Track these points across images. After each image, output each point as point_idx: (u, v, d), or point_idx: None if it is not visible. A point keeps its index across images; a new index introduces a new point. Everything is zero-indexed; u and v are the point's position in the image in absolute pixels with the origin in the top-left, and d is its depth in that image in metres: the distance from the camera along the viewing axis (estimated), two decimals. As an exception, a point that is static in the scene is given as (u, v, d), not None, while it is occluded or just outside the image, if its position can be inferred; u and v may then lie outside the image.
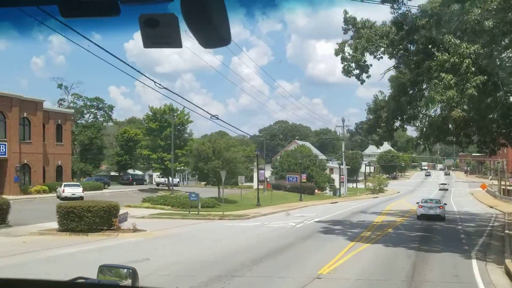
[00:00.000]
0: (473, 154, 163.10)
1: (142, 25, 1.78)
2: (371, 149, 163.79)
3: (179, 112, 48.51)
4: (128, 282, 2.77)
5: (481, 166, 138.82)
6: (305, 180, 69.11)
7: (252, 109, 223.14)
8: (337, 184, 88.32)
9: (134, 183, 63.64)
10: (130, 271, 2.82)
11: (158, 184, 61.77)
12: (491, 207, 49.23)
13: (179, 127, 48.92)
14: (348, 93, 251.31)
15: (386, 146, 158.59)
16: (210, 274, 12.30)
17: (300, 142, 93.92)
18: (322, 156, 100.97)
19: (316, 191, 72.72)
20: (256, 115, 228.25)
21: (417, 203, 30.46)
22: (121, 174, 66.30)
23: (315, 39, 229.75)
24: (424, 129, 26.38)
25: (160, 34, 1.80)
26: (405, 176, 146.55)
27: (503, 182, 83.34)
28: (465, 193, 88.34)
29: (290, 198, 54.74)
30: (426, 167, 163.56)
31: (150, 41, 1.83)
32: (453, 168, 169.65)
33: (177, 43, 1.83)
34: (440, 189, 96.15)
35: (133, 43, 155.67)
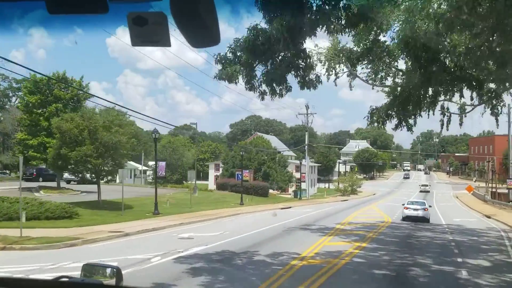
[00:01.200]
0: (456, 154, 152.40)
1: (130, 23, 1.74)
2: (350, 147, 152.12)
3: (74, 82, 35.07)
4: (112, 281, 2.67)
5: (465, 166, 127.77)
6: (259, 179, 56.05)
7: (234, 109, 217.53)
8: (304, 185, 75.53)
9: (40, 178, 49.54)
10: (115, 270, 2.74)
11: (68, 181, 47.99)
12: (488, 216, 36.86)
13: (72, 102, 35.20)
14: (331, 94, 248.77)
15: (363, 144, 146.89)
16: None
17: (262, 135, 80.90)
18: (289, 153, 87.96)
19: (274, 192, 59.68)
20: (240, 114, 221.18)
21: (402, 204, 30.32)
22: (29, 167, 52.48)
23: (299, 38, 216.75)
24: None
25: (148, 33, 1.76)
26: (384, 176, 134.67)
27: (492, 184, 71.30)
28: (449, 197, 76.38)
29: (229, 201, 41.56)
30: (408, 167, 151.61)
31: (138, 39, 1.79)
32: (434, 168, 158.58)
33: (166, 42, 1.80)
34: (421, 191, 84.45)
35: (115, 38, 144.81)
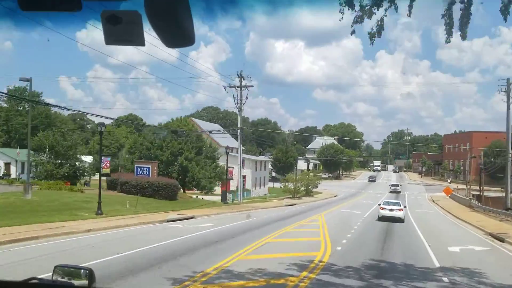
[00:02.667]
0: (429, 153, 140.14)
1: (104, 22, 1.70)
2: (317, 144, 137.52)
3: None
4: (85, 282, 2.59)
5: (438, 166, 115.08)
6: (173, 175, 40.19)
7: (214, 107, 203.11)
8: (248, 183, 59.95)
9: None
10: (87, 271, 2.65)
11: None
12: (500, 239, 21.88)
13: None
14: (305, 94, 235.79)
15: (331, 141, 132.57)
16: None
17: (193, 120, 64.71)
18: (230, 142, 72.25)
19: (197, 192, 43.95)
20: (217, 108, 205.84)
21: (379, 204, 29.99)
22: None
23: (274, 39, 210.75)
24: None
25: (122, 31, 1.72)
26: (351, 175, 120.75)
27: (481, 187, 57.52)
28: (424, 200, 62.28)
29: (90, 208, 25.43)
30: (378, 167, 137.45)
31: (112, 38, 1.75)
32: (405, 168, 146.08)
33: (140, 41, 1.76)
34: (391, 192, 71.82)
35: (86, 32, 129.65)
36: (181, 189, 40.29)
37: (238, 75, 42.63)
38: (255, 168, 61.42)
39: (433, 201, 59.76)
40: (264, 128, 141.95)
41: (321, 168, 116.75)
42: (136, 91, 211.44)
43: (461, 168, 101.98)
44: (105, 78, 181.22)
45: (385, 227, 25.08)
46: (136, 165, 37.31)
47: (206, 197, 42.52)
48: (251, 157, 65.10)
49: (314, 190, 67.42)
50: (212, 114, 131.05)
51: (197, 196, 42.93)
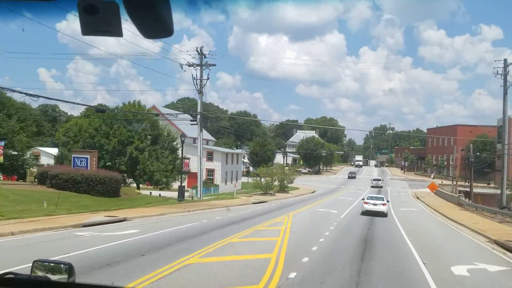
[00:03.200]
0: (411, 147, 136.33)
1: (81, 11, 1.66)
2: (297, 137, 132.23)
3: None
4: (64, 277, 2.54)
5: (421, 161, 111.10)
6: (121, 167, 34.31)
7: (191, 98, 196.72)
8: (218, 177, 54.25)
9: None
10: (67, 266, 2.58)
11: None
12: (510, 250, 16.87)
13: None
14: (289, 89, 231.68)
15: (310, 133, 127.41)
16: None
17: (162, 109, 58.62)
18: (205, 135, 66.30)
19: (150, 187, 38.10)
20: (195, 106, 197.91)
21: (362, 199, 30.85)
22: None
23: (258, 33, 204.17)
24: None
25: (99, 22, 1.69)
26: (332, 170, 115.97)
27: (471, 183, 53.09)
28: (408, 197, 57.50)
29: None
30: (360, 162, 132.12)
31: (89, 28, 1.71)
32: (387, 164, 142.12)
33: (118, 32, 1.72)
34: (372, 186, 68.19)
35: (66, 23, 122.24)
36: (128, 184, 34.44)
37: (198, 51, 36.72)
38: (226, 161, 55.73)
39: (418, 198, 55.04)
40: (243, 121, 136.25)
41: (301, 162, 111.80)
42: (117, 84, 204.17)
43: (445, 163, 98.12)
44: (85, 72, 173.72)
45: (365, 233, 19.70)
46: (73, 155, 31.13)
47: (164, 193, 36.66)
48: (221, 149, 59.29)
49: (291, 185, 62.13)
50: (188, 105, 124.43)
51: (151, 193, 37.01)
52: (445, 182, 78.68)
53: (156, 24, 1.66)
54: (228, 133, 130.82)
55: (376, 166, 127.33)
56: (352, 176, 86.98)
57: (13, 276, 2.29)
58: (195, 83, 35.63)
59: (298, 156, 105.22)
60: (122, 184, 35.47)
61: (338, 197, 49.65)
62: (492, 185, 77.87)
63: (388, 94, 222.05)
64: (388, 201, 31.16)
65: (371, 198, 30.02)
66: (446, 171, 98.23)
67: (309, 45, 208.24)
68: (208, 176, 53.78)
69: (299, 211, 30.50)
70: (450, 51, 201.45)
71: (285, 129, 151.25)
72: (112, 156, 34.47)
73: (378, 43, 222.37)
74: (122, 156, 34.63)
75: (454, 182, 64.55)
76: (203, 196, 39.68)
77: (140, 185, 37.70)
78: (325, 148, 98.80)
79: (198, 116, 36.81)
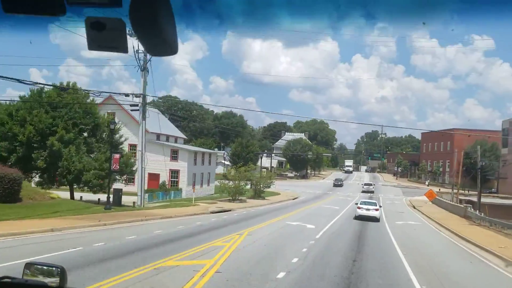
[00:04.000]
0: (404, 152, 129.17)
1: (88, 27, 1.70)
2: (286, 140, 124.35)
3: None
4: (56, 281, 2.49)
5: (415, 167, 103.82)
6: (39, 163, 26.33)
7: (173, 96, 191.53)
8: (183, 180, 46.32)
9: None
10: (59, 270, 2.53)
11: None
12: None
13: None
14: (282, 94, 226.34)
15: (299, 136, 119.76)
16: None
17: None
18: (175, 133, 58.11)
19: (79, 191, 29.98)
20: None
21: (356, 204, 31.18)
22: None
23: (252, 38, 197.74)
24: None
25: (106, 38, 1.72)
26: (320, 175, 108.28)
27: (479, 191, 45.62)
28: (403, 206, 49.84)
29: None
30: (350, 167, 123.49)
31: (95, 44, 1.74)
32: (379, 169, 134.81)
33: (123, 48, 1.76)
34: (363, 191, 63.27)
35: (59, 23, 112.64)
36: (45, 186, 26.42)
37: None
38: (194, 161, 47.79)
39: (414, 207, 47.48)
40: (229, 121, 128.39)
41: (288, 166, 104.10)
42: (110, 85, 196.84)
43: (441, 169, 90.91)
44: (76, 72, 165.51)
45: (347, 273, 11.84)
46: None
47: (100, 197, 28.60)
48: (187, 147, 51.10)
49: (271, 190, 54.30)
50: (169, 103, 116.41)
51: (81, 197, 28.93)
52: (442, 189, 71.35)
53: (160, 43, 1.66)
54: (212, 134, 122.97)
55: (367, 171, 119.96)
56: (338, 184, 72.61)
57: (9, 280, 2.27)
58: (136, 57, 27.64)
59: (285, 159, 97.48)
60: (43, 186, 27.49)
61: (322, 205, 41.87)
62: (494, 193, 70.76)
63: (381, 101, 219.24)
64: (380, 206, 31.63)
65: (364, 203, 30.13)
66: (441, 178, 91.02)
67: (303, 52, 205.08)
68: (172, 178, 45.79)
69: (263, 225, 22.61)
70: (442, 60, 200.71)
71: (273, 131, 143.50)
72: (28, 148, 26.38)
73: (371, 51, 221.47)
74: (41, 149, 26.56)
75: (455, 190, 57.12)
76: (150, 202, 31.75)
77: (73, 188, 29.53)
78: (312, 151, 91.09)
79: (140, 99, 28.63)
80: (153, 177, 45.92)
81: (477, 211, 33.61)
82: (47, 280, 2.50)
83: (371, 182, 72.72)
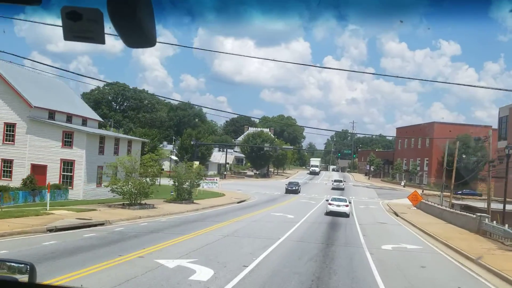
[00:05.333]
0: (377, 150, 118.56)
1: (64, 17, 1.64)
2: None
3: None
4: (25, 278, 2.43)
5: (388, 166, 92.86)
6: None
7: (121, 83, 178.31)
8: (79, 176, 32.43)
9: None
10: (28, 266, 2.49)
11: None
12: None
13: None
14: (253, 94, 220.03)
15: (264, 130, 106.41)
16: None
17: None
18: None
19: None
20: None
21: (326, 200, 31.61)
22: None
23: (223, 36, 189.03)
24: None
25: (82, 28, 1.66)
26: (285, 174, 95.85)
27: (489, 194, 33.49)
28: (382, 212, 37.28)
29: None
30: (316, 166, 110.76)
31: (71, 34, 1.68)
32: (348, 169, 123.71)
33: (100, 39, 1.70)
34: (333, 188, 58.95)
35: (23, 17, 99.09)
36: None
37: None
38: (100, 150, 33.93)
39: (396, 214, 35.34)
40: (185, 113, 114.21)
41: (248, 164, 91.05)
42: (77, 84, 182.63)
43: (418, 168, 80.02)
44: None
45: None
46: None
47: None
48: (87, 129, 36.20)
49: (216, 190, 41.36)
50: (114, 90, 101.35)
51: None
52: (425, 191, 60.19)
53: (138, 34, 1.61)
54: (166, 127, 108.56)
55: (334, 170, 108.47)
56: (292, 190, 51.01)
57: None
58: None
59: (243, 155, 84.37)
60: None
61: (271, 212, 29.05)
62: (477, 196, 59.96)
63: (351, 103, 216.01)
64: (350, 202, 31.80)
65: (335, 199, 30.45)
66: (419, 178, 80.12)
67: (275, 52, 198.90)
68: (63, 172, 31.78)
69: (93, 271, 9.32)
70: (411, 64, 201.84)
71: (236, 126, 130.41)
72: None
73: (342, 53, 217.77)
74: None
75: (450, 193, 45.70)
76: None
77: None
78: (274, 145, 78.34)
79: None
80: (40, 169, 31.98)
81: (506, 225, 21.13)
82: (17, 276, 2.40)
83: (341, 179, 67.60)
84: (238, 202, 36.57)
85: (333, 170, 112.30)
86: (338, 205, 28.84)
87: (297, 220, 24.32)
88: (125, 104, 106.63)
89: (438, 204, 38.37)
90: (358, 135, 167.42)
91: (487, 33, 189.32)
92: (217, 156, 76.25)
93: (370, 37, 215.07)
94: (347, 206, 28.98)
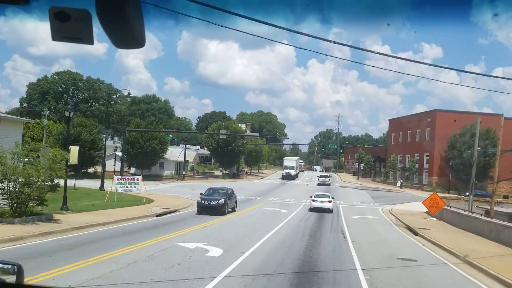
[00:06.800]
0: (366, 146, 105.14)
1: (52, 18, 1.60)
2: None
3: None
4: (12, 279, 2.40)
5: (381, 164, 79.45)
6: None
7: (101, 79, 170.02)
8: None
9: None
10: (15, 267, 2.45)
11: None
12: None
13: None
14: (239, 96, 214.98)
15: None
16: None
17: None
18: None
19: None
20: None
21: (310, 196, 30.35)
22: None
23: (208, 39, 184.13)
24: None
25: (70, 29, 1.62)
26: (260, 174, 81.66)
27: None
28: (389, 227, 23.20)
29: None
30: (292, 170, 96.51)
31: (59, 35, 1.64)
32: (334, 169, 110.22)
33: (89, 40, 1.66)
34: (319, 184, 55.15)
35: (4, 19, 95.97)
36: None
37: None
38: None
39: (412, 231, 21.52)
40: (148, 107, 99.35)
41: (217, 163, 76.54)
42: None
43: (416, 165, 66.62)
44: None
45: None
46: None
47: None
48: None
49: (148, 194, 26.98)
50: (64, 79, 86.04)
51: None
52: (424, 191, 46.78)
53: (127, 35, 1.57)
54: (127, 122, 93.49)
55: (322, 171, 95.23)
56: (206, 206, 24.37)
57: None
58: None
59: (208, 152, 69.74)
60: None
61: (195, 238, 14.76)
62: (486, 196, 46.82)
63: (335, 105, 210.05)
64: (333, 198, 30.78)
65: (318, 196, 29.76)
66: (417, 177, 66.76)
67: (259, 54, 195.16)
68: None
69: None
70: (394, 66, 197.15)
71: (209, 122, 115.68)
72: None
73: (326, 56, 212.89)
74: None
75: (452, 194, 32.07)
76: None
77: None
78: (245, 139, 64.12)
79: None
80: None
81: None
82: (4, 277, 2.35)
83: (327, 174, 66.22)
84: (158, 215, 22.29)
85: (321, 170, 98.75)
86: (322, 201, 28.59)
87: (228, 264, 10.28)
88: (80, 96, 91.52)
89: (461, 211, 24.70)
90: (344, 135, 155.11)
91: (468, 36, 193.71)
92: (175, 153, 61.64)
93: (354, 40, 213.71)
94: (330, 202, 28.80)
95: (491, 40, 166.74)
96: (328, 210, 27.80)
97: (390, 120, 79.26)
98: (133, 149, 54.90)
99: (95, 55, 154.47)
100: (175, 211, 24.70)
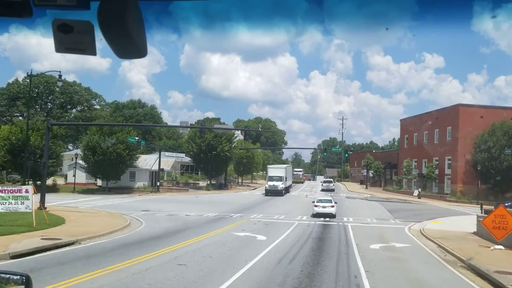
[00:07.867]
0: (374, 151, 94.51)
1: (55, 30, 1.62)
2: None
3: None
4: None
5: (392, 171, 68.80)
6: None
7: (87, 88, 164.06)
8: None
9: None
10: (24, 278, 2.43)
11: None
12: None
13: None
14: (242, 109, 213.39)
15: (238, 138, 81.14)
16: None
17: None
18: None
19: None
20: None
21: (313, 202, 29.79)
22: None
23: (210, 52, 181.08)
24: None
25: (73, 40, 1.64)
26: (253, 184, 71.12)
27: None
28: (445, 272, 13.21)
29: None
30: (278, 183, 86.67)
31: (62, 46, 1.65)
32: (338, 178, 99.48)
33: (91, 51, 1.68)
34: (323, 190, 51.67)
35: (8, 36, 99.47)
36: None
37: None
38: None
39: (482, 277, 11.20)
40: (132, 112, 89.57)
41: (203, 174, 66.18)
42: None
43: (436, 172, 55.92)
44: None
45: None
46: None
47: None
48: None
49: (25, 211, 16.64)
50: (36, 81, 76.27)
51: None
52: (448, 202, 36.20)
53: (129, 46, 1.57)
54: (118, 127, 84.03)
55: (314, 180, 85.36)
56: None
57: None
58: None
59: (189, 158, 59.34)
60: None
61: None
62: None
63: (338, 116, 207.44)
64: (336, 203, 29.86)
65: (320, 201, 29.50)
66: (437, 185, 56.11)
67: (262, 67, 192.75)
68: None
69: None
70: (396, 76, 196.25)
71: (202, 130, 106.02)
72: None
73: (328, 67, 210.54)
74: None
75: (477, 205, 21.04)
76: None
77: None
78: (232, 142, 53.97)
79: None
80: None
81: None
82: None
83: (331, 179, 65.07)
84: (14, 257, 12.06)
85: (325, 179, 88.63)
86: (324, 206, 28.25)
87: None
88: (56, 101, 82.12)
89: None
90: (347, 143, 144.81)
91: (470, 45, 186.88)
92: (150, 161, 51.52)
93: (356, 50, 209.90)
94: (332, 206, 28.25)
95: (493, 49, 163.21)
96: (331, 215, 27.52)
97: (401, 121, 68.84)
98: (93, 155, 44.89)
99: (98, 70, 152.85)
100: (72, 243, 14.49)
